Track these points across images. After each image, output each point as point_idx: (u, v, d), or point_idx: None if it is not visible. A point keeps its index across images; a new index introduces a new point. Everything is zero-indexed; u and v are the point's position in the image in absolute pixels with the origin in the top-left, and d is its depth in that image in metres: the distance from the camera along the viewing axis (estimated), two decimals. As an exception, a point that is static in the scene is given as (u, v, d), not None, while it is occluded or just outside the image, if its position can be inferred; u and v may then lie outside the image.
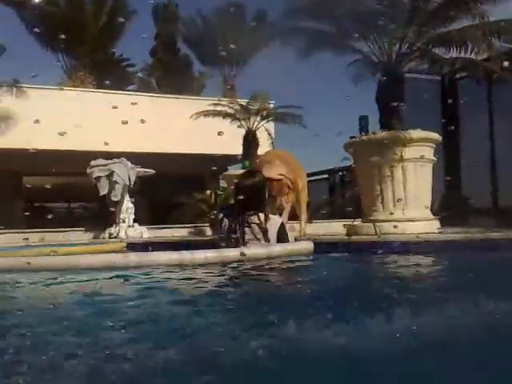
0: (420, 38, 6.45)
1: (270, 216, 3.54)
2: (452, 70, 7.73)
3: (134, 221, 9.50)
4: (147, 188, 12.86)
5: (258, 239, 3.38)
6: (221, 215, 3.65)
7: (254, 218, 3.44)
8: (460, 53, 6.49)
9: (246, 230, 3.40)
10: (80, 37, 15.93)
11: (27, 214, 14.61)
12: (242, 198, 3.51)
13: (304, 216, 7.25)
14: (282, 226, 3.54)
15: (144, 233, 9.33)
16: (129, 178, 8.95)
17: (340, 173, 14.87)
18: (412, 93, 9.66)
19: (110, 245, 5.92)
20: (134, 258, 3.07)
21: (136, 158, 9.62)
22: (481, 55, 6.65)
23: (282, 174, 6.27)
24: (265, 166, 6.28)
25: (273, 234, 3.43)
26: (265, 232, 3.39)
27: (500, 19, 6.70)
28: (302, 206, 7.14)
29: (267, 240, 3.39)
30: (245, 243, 3.38)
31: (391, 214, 6.82)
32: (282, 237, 3.49)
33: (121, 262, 2.94)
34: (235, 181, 3.91)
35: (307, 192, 7.33)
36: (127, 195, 9.30)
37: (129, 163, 9.13)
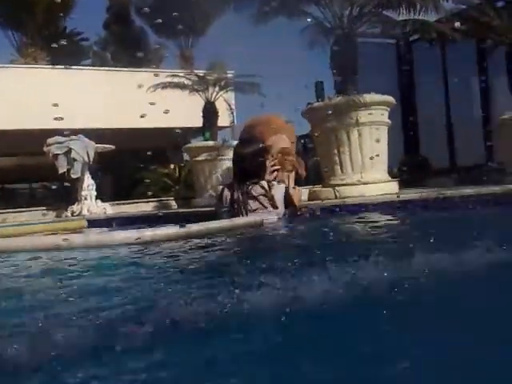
0: (370, 0, 6.47)
1: (274, 183, 3.59)
2: (404, 32, 7.80)
3: (97, 197, 9.42)
4: (109, 164, 12.72)
5: (266, 207, 3.42)
6: (220, 187, 3.70)
7: (257, 188, 3.45)
8: (409, 14, 6.55)
9: (251, 201, 3.43)
10: (28, 12, 15.41)
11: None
12: (241, 166, 3.57)
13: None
14: (287, 191, 3.59)
15: (107, 209, 9.26)
16: (87, 155, 8.83)
17: (302, 140, 14.95)
18: (369, 57, 9.74)
19: (71, 223, 5.87)
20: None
21: (95, 134, 9.48)
22: (430, 16, 6.72)
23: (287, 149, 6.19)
24: (272, 137, 6.18)
25: (279, 200, 3.48)
26: (271, 199, 3.42)
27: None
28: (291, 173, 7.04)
29: (275, 207, 3.42)
30: (247, 213, 3.43)
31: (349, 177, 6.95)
32: (289, 201, 3.56)
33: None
34: (234, 149, 3.91)
35: None
36: (87, 172, 9.18)
37: (86, 139, 8.99)
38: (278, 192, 3.51)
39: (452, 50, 10.08)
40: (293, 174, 6.61)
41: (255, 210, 3.43)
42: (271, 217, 3.44)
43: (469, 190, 5.09)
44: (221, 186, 3.77)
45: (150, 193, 13.18)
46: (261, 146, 3.70)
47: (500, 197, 4.34)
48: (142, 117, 9.07)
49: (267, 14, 6.80)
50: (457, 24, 8.46)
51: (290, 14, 6.95)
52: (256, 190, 3.45)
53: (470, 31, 8.62)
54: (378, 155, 6.62)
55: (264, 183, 3.47)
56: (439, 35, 7.77)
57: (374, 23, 6.94)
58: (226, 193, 3.58)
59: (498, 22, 8.31)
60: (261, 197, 3.44)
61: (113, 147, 9.68)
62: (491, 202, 4.01)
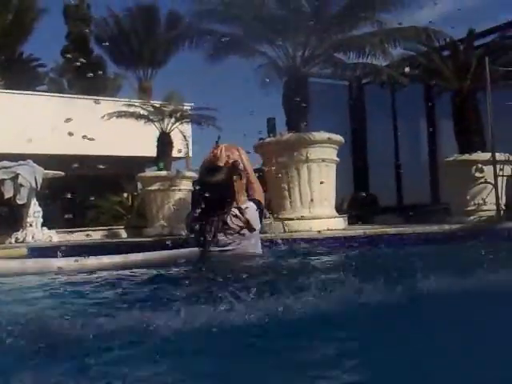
0: (322, 43, 6.72)
1: (243, 206, 3.24)
2: (355, 74, 8.09)
3: (43, 225, 9.22)
4: (60, 191, 12.49)
5: (243, 234, 3.16)
6: (188, 220, 3.33)
7: (231, 218, 3.16)
8: (359, 58, 6.83)
9: (227, 232, 3.13)
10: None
11: None
12: (209, 196, 3.20)
13: None
14: (259, 203, 3.30)
15: (53, 237, 9.06)
16: (35, 181, 8.66)
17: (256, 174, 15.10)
18: (323, 97, 10.02)
19: (10, 251, 5.73)
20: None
21: (48, 160, 9.33)
22: (378, 61, 7.02)
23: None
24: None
25: (255, 221, 3.19)
26: (247, 224, 3.14)
27: (397, 27, 7.10)
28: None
29: (252, 229, 3.16)
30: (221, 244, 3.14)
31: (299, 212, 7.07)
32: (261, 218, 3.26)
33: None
34: (197, 179, 3.50)
35: None
36: (34, 198, 8.99)
37: (35, 165, 8.83)
38: (251, 212, 3.20)
39: (402, 93, 10.46)
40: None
41: (230, 242, 3.15)
42: (254, 249, 3.21)
43: (409, 229, 5.27)
44: (189, 220, 3.48)
45: (101, 221, 12.99)
46: (228, 174, 3.30)
47: (437, 235, 4.51)
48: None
49: (221, 52, 6.96)
50: (406, 69, 8.83)
51: (244, 53, 7.13)
52: (232, 221, 3.15)
53: (419, 76, 9.01)
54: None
55: (235, 210, 3.17)
56: (389, 79, 8.10)
57: (325, 65, 7.18)
58: (197, 227, 3.25)
59: (444, 70, 8.74)
60: (235, 225, 3.15)
61: (62, 173, 9.54)
62: (426, 240, 4.16)
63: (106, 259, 2.92)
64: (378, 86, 9.85)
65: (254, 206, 3.26)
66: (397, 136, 11.28)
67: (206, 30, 7.33)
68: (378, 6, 6.79)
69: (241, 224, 3.11)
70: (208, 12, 7.24)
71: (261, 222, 3.29)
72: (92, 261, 2.86)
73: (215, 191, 3.20)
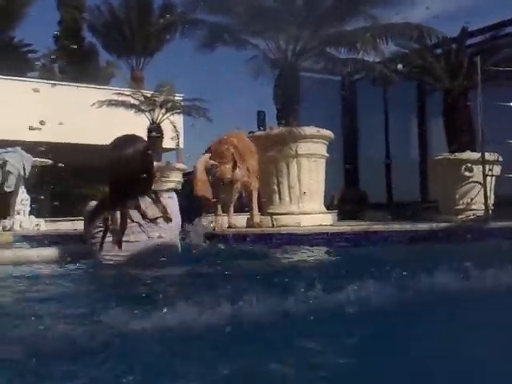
0: (314, 37, 6.69)
1: (162, 193, 2.69)
2: (346, 70, 8.07)
3: (31, 213, 9.15)
4: (49, 179, 12.41)
5: (156, 223, 2.55)
6: (92, 203, 2.74)
7: (145, 205, 2.57)
8: (351, 54, 6.81)
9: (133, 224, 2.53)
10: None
11: None
12: (119, 175, 2.65)
13: (255, 205, 6.54)
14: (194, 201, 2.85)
15: (41, 225, 9.00)
16: (24, 168, 8.58)
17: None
18: (314, 92, 9.99)
19: (-4, 237, 5.68)
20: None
21: (37, 148, 9.24)
22: (369, 56, 7.00)
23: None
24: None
25: (173, 210, 2.64)
26: (163, 211, 2.56)
27: (390, 23, 7.07)
28: (253, 193, 6.41)
29: (168, 220, 2.57)
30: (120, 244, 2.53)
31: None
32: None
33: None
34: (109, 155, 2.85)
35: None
36: (22, 186, 8.92)
37: (23, 152, 8.75)
38: (171, 201, 2.65)
39: (394, 89, 10.44)
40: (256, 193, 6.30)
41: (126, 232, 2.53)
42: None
43: (397, 226, 5.26)
44: (93, 202, 2.70)
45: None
46: (142, 147, 2.73)
47: (423, 233, 4.51)
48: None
49: (212, 42, 6.92)
50: (399, 66, 8.82)
51: (235, 43, 7.09)
52: (146, 208, 2.55)
53: (411, 74, 9.00)
54: (304, 193, 6.70)
55: (152, 195, 2.61)
56: (381, 75, 8.08)
57: (317, 59, 7.15)
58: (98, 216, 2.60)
59: (436, 68, 8.73)
60: (135, 213, 2.53)
61: (50, 161, 9.47)
62: (412, 238, 4.16)
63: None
64: (370, 82, 9.84)
65: (175, 199, 2.74)
66: (388, 133, 11.28)
67: (197, 19, 7.27)
68: (371, 0, 6.75)
69: (157, 214, 2.58)
70: (201, 2, 7.17)
71: (193, 218, 2.82)
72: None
73: (123, 168, 2.65)
